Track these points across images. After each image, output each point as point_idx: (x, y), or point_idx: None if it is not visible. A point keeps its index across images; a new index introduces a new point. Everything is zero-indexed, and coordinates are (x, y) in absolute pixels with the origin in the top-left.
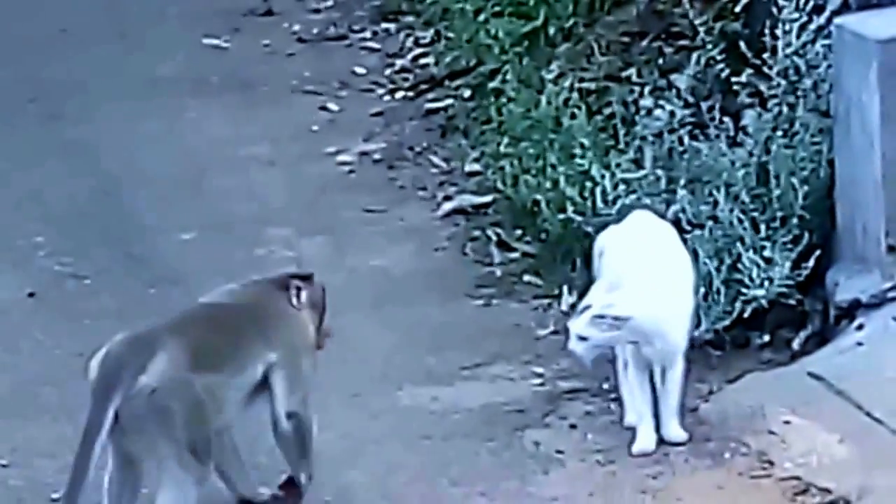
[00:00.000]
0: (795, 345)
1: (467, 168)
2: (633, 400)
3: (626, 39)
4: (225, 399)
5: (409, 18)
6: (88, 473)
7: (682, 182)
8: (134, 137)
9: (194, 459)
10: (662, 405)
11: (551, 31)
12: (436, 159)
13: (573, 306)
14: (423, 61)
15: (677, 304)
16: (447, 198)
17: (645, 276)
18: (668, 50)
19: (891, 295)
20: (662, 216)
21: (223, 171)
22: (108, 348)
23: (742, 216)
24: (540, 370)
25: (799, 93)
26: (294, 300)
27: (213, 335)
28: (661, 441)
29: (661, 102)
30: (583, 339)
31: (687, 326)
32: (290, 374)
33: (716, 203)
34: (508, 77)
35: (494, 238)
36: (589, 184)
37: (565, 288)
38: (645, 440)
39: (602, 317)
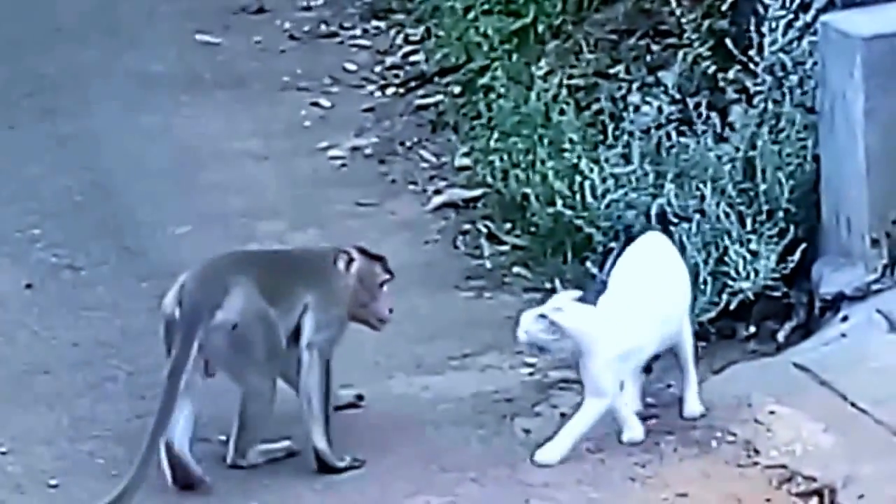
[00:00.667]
0: (781, 336)
1: (457, 163)
2: (630, 415)
3: (614, 37)
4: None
5: (400, 16)
6: (175, 406)
7: (669, 176)
8: (128, 132)
9: (272, 384)
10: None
11: (540, 28)
12: (426, 154)
13: None
14: (413, 58)
15: (621, 327)
16: (437, 192)
17: (614, 297)
18: (655, 47)
19: (874, 287)
20: (671, 240)
21: (216, 165)
22: (181, 285)
23: (729, 210)
24: (529, 360)
25: (785, 89)
26: (341, 264)
27: (270, 274)
28: (650, 431)
29: (649, 99)
30: (526, 332)
31: (633, 351)
32: (319, 318)
33: (703, 197)
34: (498, 74)
35: (484, 231)
36: (578, 178)
37: (557, 281)
38: (634, 429)
39: (544, 316)
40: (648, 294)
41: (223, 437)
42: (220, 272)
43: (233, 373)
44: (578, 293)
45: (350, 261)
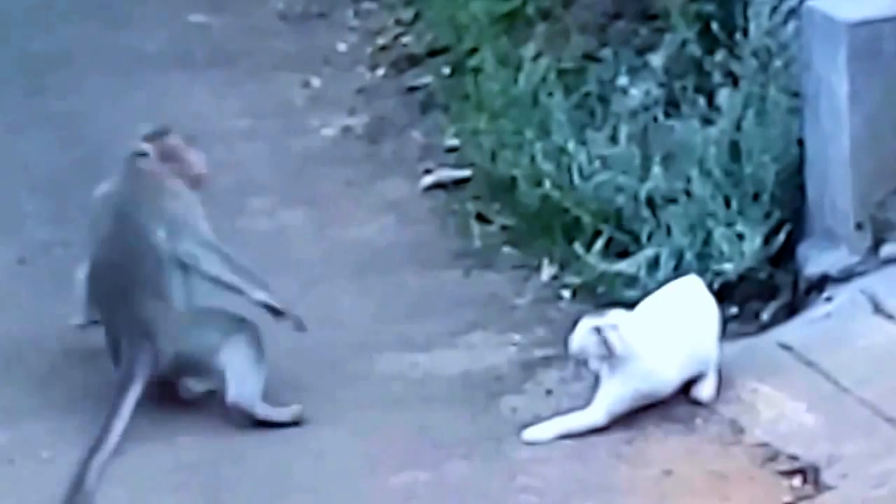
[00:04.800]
0: (765, 316)
1: (446, 143)
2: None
3: (602, 21)
4: None
5: None
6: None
7: (656, 158)
8: (119, 110)
9: None
10: None
11: (529, 11)
12: (416, 134)
13: (554, 277)
14: (403, 40)
15: (658, 351)
16: (427, 172)
17: (659, 330)
18: (643, 31)
19: (859, 269)
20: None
21: (207, 143)
22: None
23: (715, 192)
24: (517, 338)
25: (770, 73)
26: (141, 162)
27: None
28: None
29: (637, 81)
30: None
31: (664, 376)
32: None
33: (689, 179)
34: (487, 56)
35: (473, 211)
36: (565, 159)
37: (545, 259)
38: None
39: (599, 330)
40: (682, 338)
41: None
42: None
43: None
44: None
45: (143, 154)
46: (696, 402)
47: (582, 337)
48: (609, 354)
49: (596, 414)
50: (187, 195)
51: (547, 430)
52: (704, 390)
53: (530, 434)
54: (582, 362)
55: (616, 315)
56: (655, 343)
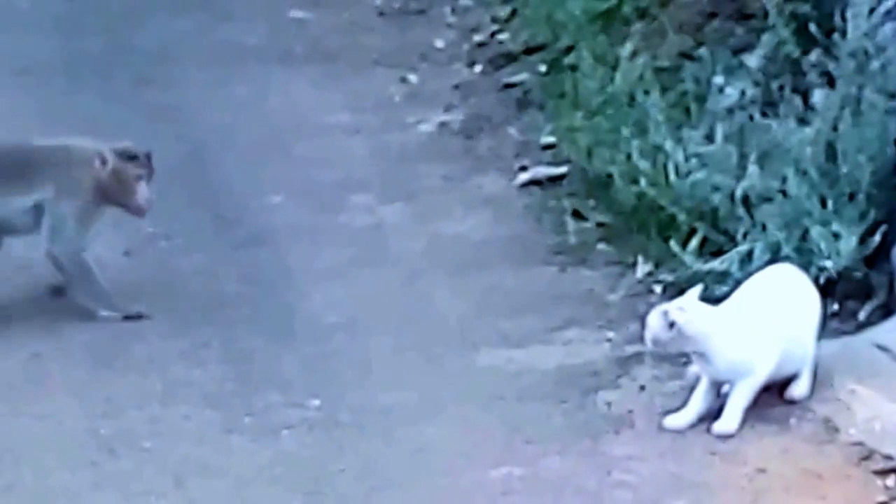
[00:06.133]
0: (862, 316)
1: (543, 140)
2: (692, 405)
3: (698, 20)
4: None
5: None
6: None
7: (752, 157)
8: (221, 103)
9: None
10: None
11: (626, 10)
12: (512, 131)
13: (649, 274)
14: (500, 37)
15: (742, 335)
16: (523, 168)
17: (734, 306)
18: (739, 30)
19: None
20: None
21: (308, 137)
22: None
23: (810, 191)
24: (611, 334)
25: (867, 74)
26: (97, 163)
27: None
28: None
29: (733, 80)
30: (651, 332)
31: (754, 361)
32: (56, 212)
33: (784, 178)
34: (584, 54)
35: (569, 208)
36: (662, 157)
37: (640, 257)
38: (678, 417)
39: (665, 313)
40: (770, 314)
41: None
42: None
43: None
44: (700, 288)
45: (104, 161)
46: (791, 402)
47: (652, 323)
48: (679, 335)
49: (743, 383)
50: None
51: (732, 419)
52: (798, 389)
53: (719, 427)
54: (662, 348)
55: (685, 299)
56: (739, 325)
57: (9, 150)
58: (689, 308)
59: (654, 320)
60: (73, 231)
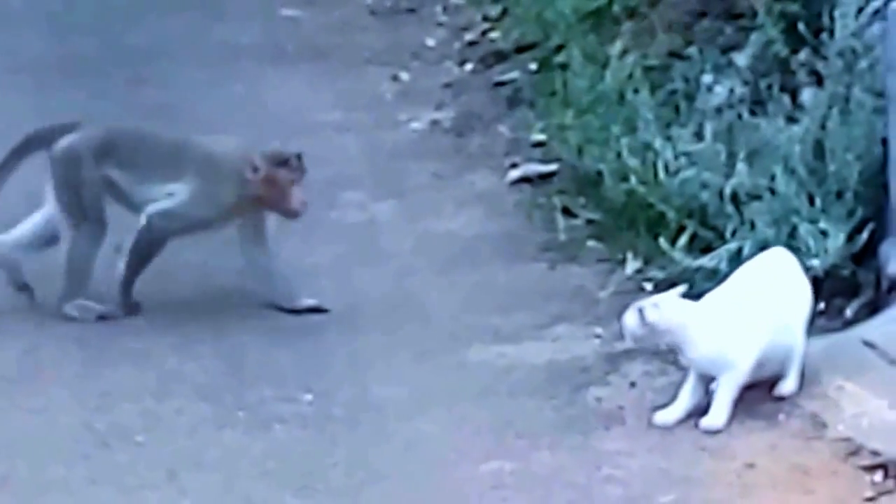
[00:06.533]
0: (849, 313)
1: (533, 138)
2: (681, 401)
3: (688, 19)
4: (128, 193)
5: None
6: None
7: (741, 156)
8: (214, 101)
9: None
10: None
11: (616, 9)
12: (503, 129)
13: (638, 271)
14: (491, 36)
15: (720, 329)
16: (514, 165)
17: (718, 298)
18: (728, 29)
19: None
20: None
21: (300, 135)
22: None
23: (799, 189)
24: (601, 331)
25: (855, 73)
26: (248, 172)
27: (140, 146)
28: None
29: (722, 79)
30: (626, 326)
31: (733, 354)
32: (176, 203)
33: (773, 176)
34: (574, 52)
35: (559, 205)
36: (651, 155)
37: (629, 254)
38: (667, 413)
39: (640, 310)
40: (755, 305)
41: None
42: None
43: (60, 205)
44: (683, 289)
45: (255, 169)
46: (779, 398)
47: (627, 319)
48: (651, 331)
49: (726, 378)
50: None
51: (719, 413)
52: (787, 386)
53: (707, 422)
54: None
55: (663, 296)
56: (718, 318)
57: (168, 141)
58: (663, 304)
59: (630, 317)
60: (181, 221)
